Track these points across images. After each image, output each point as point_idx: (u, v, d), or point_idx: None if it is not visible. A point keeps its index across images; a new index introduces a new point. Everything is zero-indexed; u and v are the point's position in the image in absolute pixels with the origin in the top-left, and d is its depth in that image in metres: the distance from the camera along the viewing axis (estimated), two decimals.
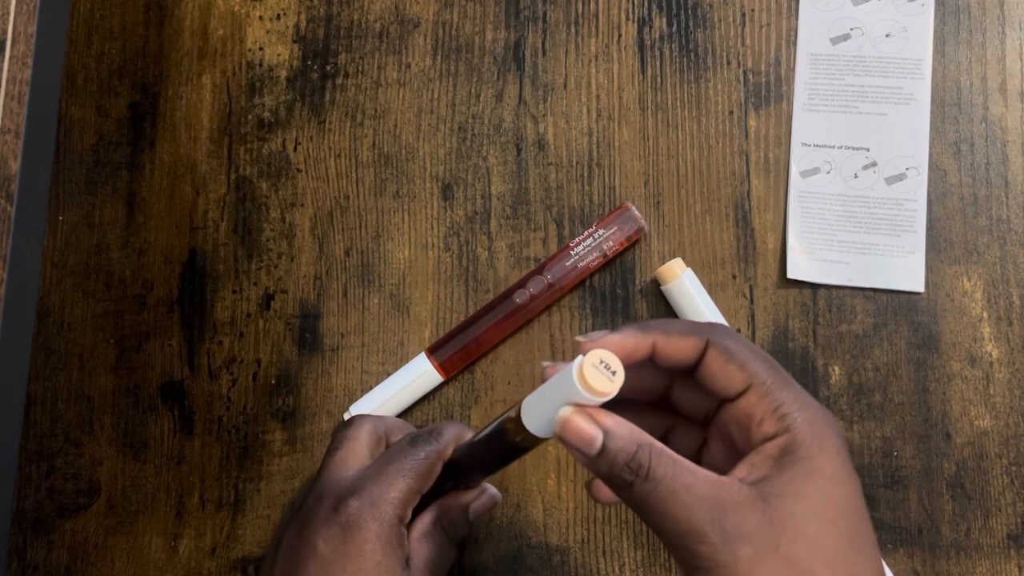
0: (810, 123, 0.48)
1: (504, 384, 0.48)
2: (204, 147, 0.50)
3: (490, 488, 0.41)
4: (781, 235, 0.48)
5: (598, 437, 0.29)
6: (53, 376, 0.49)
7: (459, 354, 0.47)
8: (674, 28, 0.50)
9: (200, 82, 0.51)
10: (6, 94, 0.45)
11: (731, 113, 0.49)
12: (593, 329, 0.48)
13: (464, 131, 0.50)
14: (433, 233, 0.49)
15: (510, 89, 0.50)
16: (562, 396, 0.29)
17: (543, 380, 0.32)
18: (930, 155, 0.47)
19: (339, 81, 0.50)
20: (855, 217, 0.47)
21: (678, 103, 0.49)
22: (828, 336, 0.47)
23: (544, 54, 0.50)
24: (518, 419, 0.32)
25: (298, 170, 0.50)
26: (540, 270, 0.47)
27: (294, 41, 0.51)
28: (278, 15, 0.51)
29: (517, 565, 0.46)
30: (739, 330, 0.47)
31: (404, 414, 0.47)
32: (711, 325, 0.31)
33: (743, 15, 0.49)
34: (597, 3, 0.50)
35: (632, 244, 0.48)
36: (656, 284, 0.47)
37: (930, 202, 0.47)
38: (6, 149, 0.45)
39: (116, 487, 0.48)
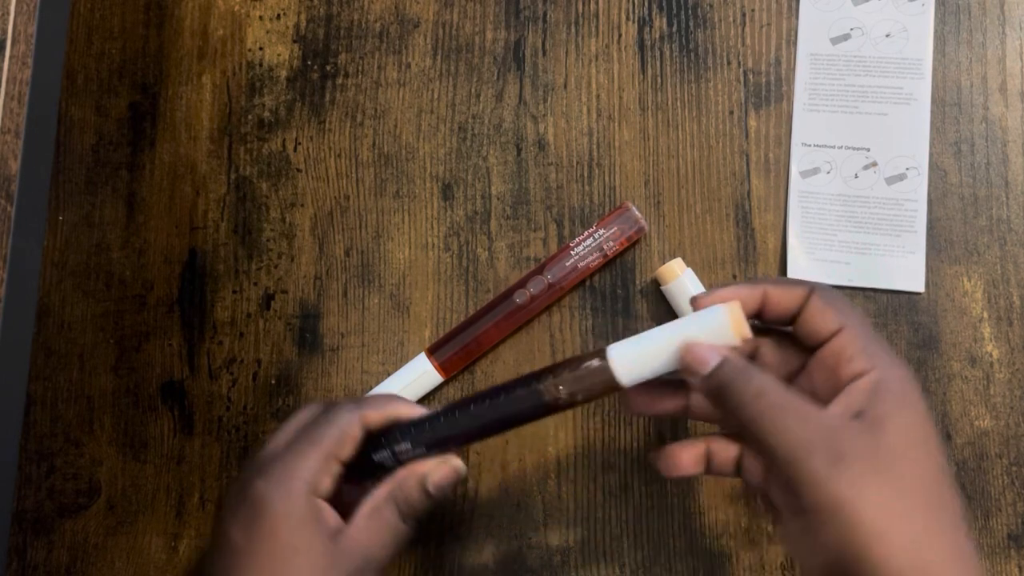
0: (810, 123, 0.48)
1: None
2: (204, 147, 0.50)
3: (452, 459, 0.38)
4: (781, 235, 0.48)
5: (714, 359, 0.32)
6: (53, 376, 0.49)
7: (459, 354, 0.47)
8: (674, 28, 0.50)
9: (200, 82, 0.51)
10: (6, 94, 0.45)
11: (731, 113, 0.49)
12: (593, 329, 0.48)
13: (464, 131, 0.50)
14: (433, 233, 0.49)
15: (510, 89, 0.50)
16: (681, 340, 0.33)
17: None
18: (930, 155, 0.47)
19: (339, 81, 0.50)
20: (855, 217, 0.47)
21: (678, 103, 0.49)
22: None
23: (544, 54, 0.50)
24: (602, 366, 0.34)
25: (298, 170, 0.50)
26: (540, 270, 0.47)
27: (294, 41, 0.51)
28: (278, 15, 0.51)
29: (517, 565, 0.46)
30: None
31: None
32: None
33: (743, 15, 0.49)
34: (597, 3, 0.50)
35: (632, 244, 0.48)
36: (656, 284, 0.47)
37: (930, 202, 0.47)
38: (6, 149, 0.45)
39: (116, 487, 0.48)
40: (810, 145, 0.48)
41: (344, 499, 0.37)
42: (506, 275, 0.48)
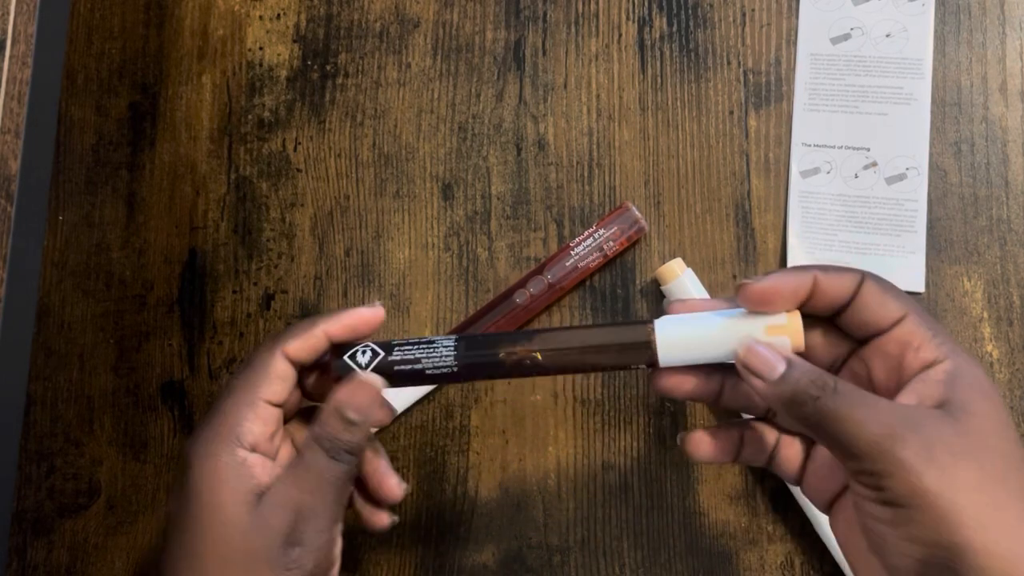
0: (810, 123, 0.48)
1: (504, 384, 0.48)
2: (204, 147, 0.50)
3: (366, 377, 0.34)
4: (781, 235, 0.48)
5: (781, 364, 0.31)
6: (53, 376, 0.49)
7: None
8: (674, 28, 0.49)
9: (200, 82, 0.51)
10: (6, 94, 0.45)
11: (731, 113, 0.49)
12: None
13: (464, 131, 0.50)
14: (433, 233, 0.49)
15: (510, 89, 0.50)
16: (735, 334, 0.32)
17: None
18: (930, 155, 0.47)
19: (339, 81, 0.50)
20: (855, 217, 0.47)
21: (678, 103, 0.49)
22: None
23: (544, 54, 0.50)
24: (644, 340, 0.33)
25: (298, 170, 0.50)
26: (540, 270, 0.47)
27: (294, 41, 0.51)
28: (278, 15, 0.51)
29: (517, 565, 0.46)
30: None
31: (404, 415, 0.47)
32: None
33: (743, 15, 0.49)
34: (597, 3, 0.50)
35: (632, 244, 0.48)
36: (656, 284, 0.47)
37: (930, 202, 0.47)
38: (6, 149, 0.45)
39: (116, 487, 0.48)
40: (810, 145, 0.48)
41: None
42: (506, 275, 0.48)
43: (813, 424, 0.30)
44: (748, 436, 0.35)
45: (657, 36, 0.50)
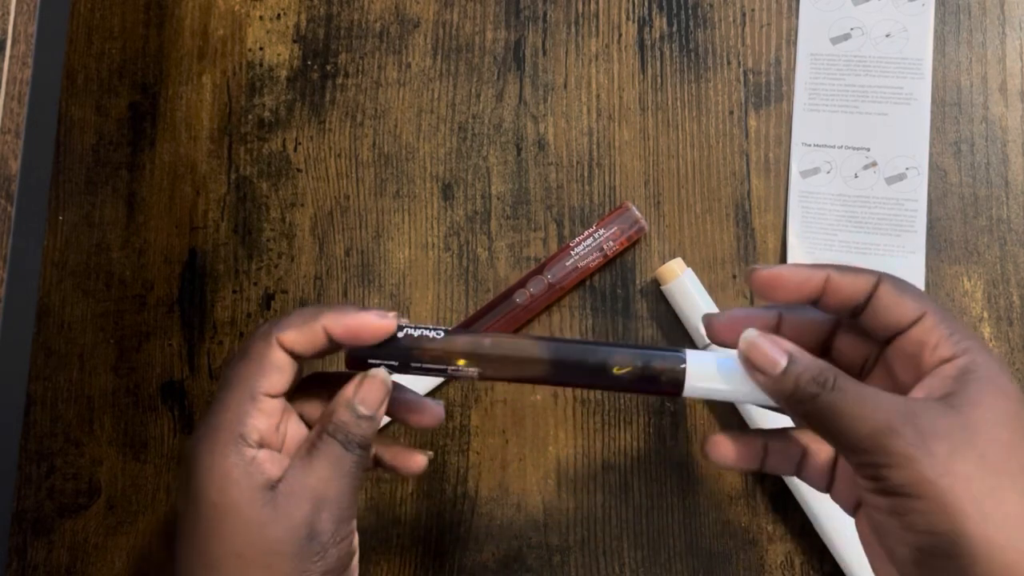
0: (810, 123, 0.48)
1: (504, 384, 0.48)
2: (204, 147, 0.50)
3: (375, 372, 0.33)
4: (781, 235, 0.48)
5: (783, 358, 0.31)
6: (53, 376, 0.49)
7: None
8: (674, 28, 0.49)
9: (200, 82, 0.51)
10: (6, 94, 0.45)
11: (731, 113, 0.49)
12: (594, 329, 0.48)
13: (464, 131, 0.50)
14: (433, 233, 0.49)
15: (510, 89, 0.50)
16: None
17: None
18: (930, 155, 0.47)
19: (339, 81, 0.50)
20: (855, 217, 0.47)
21: (678, 103, 0.49)
22: None
23: (544, 54, 0.50)
24: (674, 368, 0.33)
25: (298, 170, 0.50)
26: (540, 270, 0.47)
27: (294, 41, 0.51)
28: (278, 15, 0.51)
29: (517, 565, 0.46)
30: None
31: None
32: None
33: (743, 15, 0.49)
34: (597, 3, 0.50)
35: (632, 244, 0.48)
36: (656, 284, 0.47)
37: (930, 202, 0.47)
38: (6, 149, 0.45)
39: (116, 487, 0.48)
40: (810, 145, 0.48)
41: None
42: (506, 275, 0.48)
43: (814, 419, 0.30)
44: (773, 446, 0.35)
45: (657, 36, 0.50)
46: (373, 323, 0.33)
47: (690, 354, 0.33)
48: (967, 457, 0.28)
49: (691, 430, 0.47)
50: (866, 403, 0.29)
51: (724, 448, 0.35)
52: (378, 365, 0.34)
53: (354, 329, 0.33)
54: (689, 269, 0.46)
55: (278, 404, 0.33)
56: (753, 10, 0.49)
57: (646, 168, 0.49)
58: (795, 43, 0.49)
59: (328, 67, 0.51)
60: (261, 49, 0.51)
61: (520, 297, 0.47)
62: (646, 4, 0.50)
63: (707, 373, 0.33)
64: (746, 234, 0.48)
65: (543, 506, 0.47)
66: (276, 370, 0.33)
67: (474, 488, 0.47)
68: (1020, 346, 0.46)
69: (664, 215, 0.48)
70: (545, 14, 0.50)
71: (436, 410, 0.37)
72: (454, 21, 0.50)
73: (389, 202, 0.49)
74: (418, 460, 0.37)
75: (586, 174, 0.49)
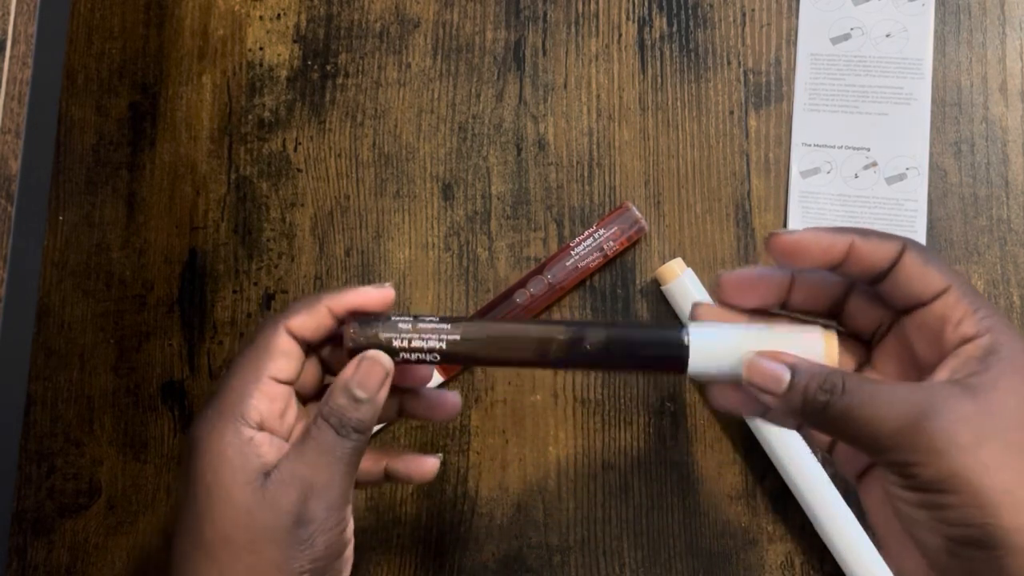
0: (810, 123, 0.48)
1: (504, 384, 0.48)
2: (204, 147, 0.50)
3: (373, 354, 0.33)
4: None
5: (785, 372, 0.30)
6: (53, 376, 0.49)
7: None
8: (674, 28, 0.49)
9: (200, 82, 0.51)
10: (6, 94, 0.45)
11: (731, 113, 0.49)
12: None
13: (464, 131, 0.50)
14: (433, 233, 0.49)
15: (510, 89, 0.50)
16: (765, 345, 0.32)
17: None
18: (930, 155, 0.47)
19: (339, 81, 0.50)
20: (855, 217, 0.47)
21: (678, 103, 0.49)
22: None
23: (544, 54, 0.50)
24: (677, 346, 0.32)
25: (298, 170, 0.50)
26: (540, 270, 0.47)
27: (294, 41, 0.51)
28: (278, 15, 0.51)
29: (517, 565, 0.46)
30: None
31: (397, 419, 0.47)
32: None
33: (743, 15, 0.49)
34: (597, 3, 0.50)
35: (632, 244, 0.48)
36: (656, 284, 0.47)
37: (930, 202, 0.47)
38: (6, 149, 0.45)
39: (116, 487, 0.48)
40: (810, 145, 0.48)
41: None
42: (506, 275, 0.48)
43: (831, 427, 0.29)
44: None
45: (657, 36, 0.50)
46: (372, 294, 0.33)
47: (694, 331, 0.32)
48: (993, 445, 0.27)
49: (691, 430, 0.47)
50: (882, 401, 0.28)
51: (728, 391, 0.34)
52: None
53: (355, 303, 0.33)
54: (689, 269, 0.46)
55: (284, 391, 0.33)
56: (753, 10, 0.49)
57: (646, 168, 0.49)
58: (795, 43, 0.49)
59: (328, 67, 0.51)
60: (261, 49, 0.51)
61: (520, 297, 0.47)
62: (646, 4, 0.50)
63: (710, 354, 0.32)
64: (746, 234, 0.48)
65: (543, 506, 0.47)
66: (282, 355, 0.32)
67: (474, 488, 0.47)
68: None
69: (664, 215, 0.48)
70: (545, 14, 0.50)
71: (453, 400, 0.37)
72: (454, 21, 0.50)
73: (389, 202, 0.49)
74: (431, 463, 0.37)
75: (586, 174, 0.49)
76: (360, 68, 0.51)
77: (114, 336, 0.49)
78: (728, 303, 0.34)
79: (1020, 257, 0.47)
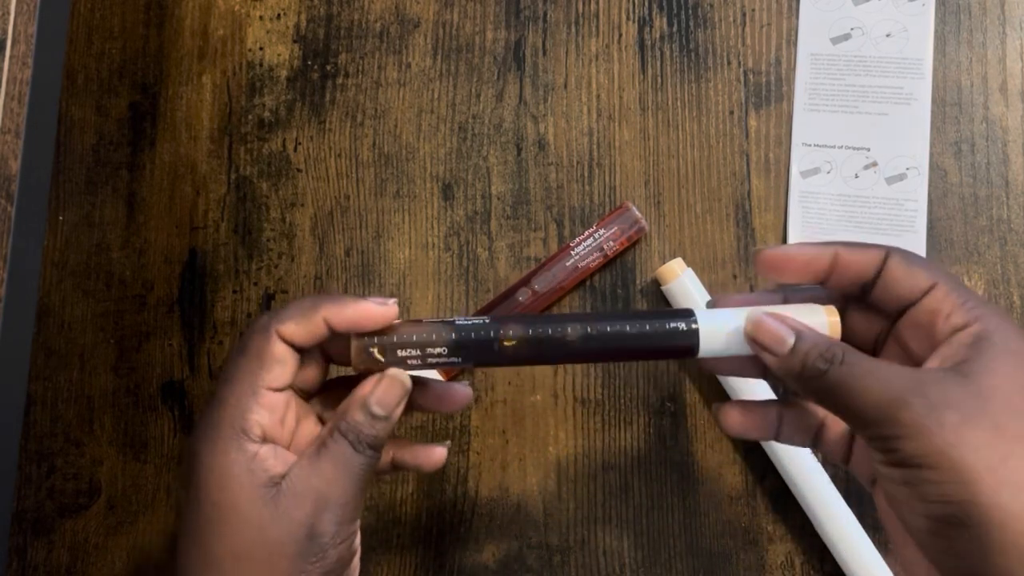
0: (810, 123, 0.48)
1: (504, 384, 0.48)
2: (204, 147, 0.50)
3: (393, 372, 0.33)
4: (782, 235, 0.48)
5: (791, 336, 0.31)
6: (53, 376, 0.49)
7: None
8: (674, 28, 0.49)
9: (200, 82, 0.51)
10: (6, 94, 0.45)
11: (731, 113, 0.49)
12: None
13: (464, 131, 0.50)
14: (433, 233, 0.49)
15: (510, 89, 0.50)
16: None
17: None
18: (931, 155, 0.47)
19: (339, 81, 0.50)
20: (855, 217, 0.47)
21: (678, 103, 0.49)
22: None
23: (544, 54, 0.50)
24: (688, 331, 0.32)
25: (298, 170, 0.50)
26: (540, 270, 0.47)
27: (294, 41, 0.51)
28: (278, 15, 0.51)
29: (517, 565, 0.46)
30: None
31: (404, 415, 0.47)
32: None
33: (743, 15, 0.49)
34: (597, 3, 0.50)
35: (632, 244, 0.48)
36: (656, 284, 0.47)
37: (930, 202, 0.47)
38: (6, 149, 0.45)
39: (116, 487, 0.48)
40: (810, 145, 0.48)
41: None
42: (506, 275, 0.48)
43: (823, 395, 0.30)
44: (788, 416, 0.35)
45: (657, 36, 0.50)
46: (375, 312, 0.32)
47: (702, 317, 0.33)
48: (980, 425, 0.27)
49: (691, 430, 0.47)
50: (875, 376, 0.29)
51: (735, 417, 0.34)
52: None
53: (354, 320, 0.32)
54: (689, 269, 0.46)
55: (281, 398, 0.32)
56: (753, 10, 0.49)
57: (646, 168, 0.49)
58: (795, 43, 0.49)
59: (328, 67, 0.51)
60: (261, 49, 0.51)
61: (522, 296, 0.47)
62: (646, 4, 0.50)
63: (718, 329, 0.32)
64: (746, 234, 0.48)
65: (543, 506, 0.47)
66: (277, 363, 0.32)
67: (474, 488, 0.47)
68: None
69: (664, 215, 0.48)
70: (545, 14, 0.50)
71: (463, 391, 0.36)
72: (454, 21, 0.50)
73: (389, 202, 0.49)
74: (439, 452, 0.36)
75: (586, 174, 0.49)
76: (360, 68, 0.51)
77: (114, 336, 0.49)
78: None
79: (1020, 257, 0.47)
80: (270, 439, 0.32)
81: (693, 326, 0.33)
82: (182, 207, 0.50)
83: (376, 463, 0.33)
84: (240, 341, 0.32)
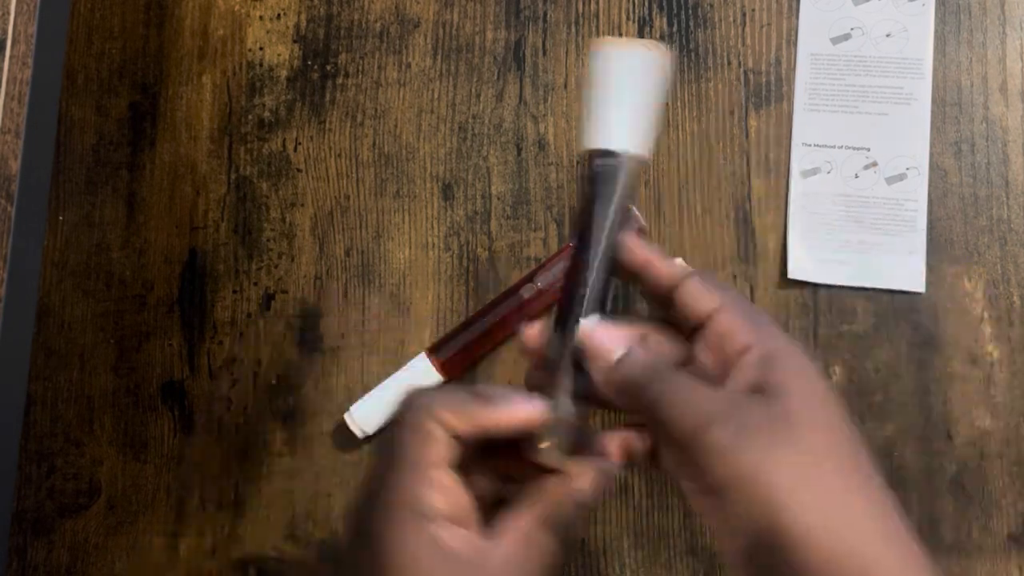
0: (811, 123, 0.48)
1: (505, 384, 0.48)
2: (204, 147, 0.50)
3: (599, 463, 0.32)
4: (782, 235, 0.48)
5: (620, 349, 0.31)
6: (53, 376, 0.49)
7: (459, 354, 0.47)
8: (675, 28, 0.49)
9: (200, 82, 0.51)
10: (6, 94, 0.45)
11: (732, 113, 0.49)
12: None
13: (464, 131, 0.50)
14: (433, 233, 0.49)
15: (510, 89, 0.50)
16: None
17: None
18: (931, 155, 0.47)
19: (339, 81, 0.50)
20: (856, 217, 0.47)
21: (679, 103, 0.49)
22: (829, 336, 0.47)
23: (544, 54, 0.50)
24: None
25: (298, 170, 0.50)
26: (540, 270, 0.47)
27: (294, 41, 0.51)
28: (278, 15, 0.51)
29: None
30: None
31: None
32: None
33: (743, 15, 0.49)
34: (597, 3, 0.50)
35: None
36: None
37: (931, 202, 0.47)
38: (6, 149, 0.45)
39: (116, 487, 0.48)
40: (810, 145, 0.48)
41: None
42: (506, 275, 0.48)
43: (642, 409, 0.30)
44: (628, 437, 0.33)
45: (657, 36, 0.50)
46: (529, 412, 0.32)
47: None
48: (784, 449, 0.28)
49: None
50: (690, 397, 0.29)
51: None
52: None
53: (511, 422, 0.31)
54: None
55: (450, 476, 0.31)
56: (753, 10, 0.49)
57: (646, 168, 0.49)
58: (795, 43, 0.49)
59: (328, 67, 0.51)
60: (261, 49, 0.51)
61: (527, 292, 0.47)
62: (646, 4, 0.50)
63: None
64: (746, 234, 0.48)
65: None
66: (442, 444, 0.31)
67: None
68: (1020, 346, 0.46)
69: (664, 215, 0.48)
70: (545, 14, 0.50)
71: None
72: (454, 21, 0.50)
73: (389, 202, 0.49)
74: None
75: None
76: (360, 68, 0.51)
77: (114, 336, 0.49)
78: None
79: (1020, 257, 0.47)
80: (445, 518, 0.31)
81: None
82: (182, 207, 0.50)
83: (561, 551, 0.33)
84: (399, 418, 0.31)
